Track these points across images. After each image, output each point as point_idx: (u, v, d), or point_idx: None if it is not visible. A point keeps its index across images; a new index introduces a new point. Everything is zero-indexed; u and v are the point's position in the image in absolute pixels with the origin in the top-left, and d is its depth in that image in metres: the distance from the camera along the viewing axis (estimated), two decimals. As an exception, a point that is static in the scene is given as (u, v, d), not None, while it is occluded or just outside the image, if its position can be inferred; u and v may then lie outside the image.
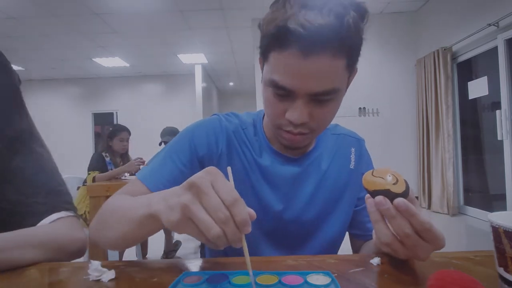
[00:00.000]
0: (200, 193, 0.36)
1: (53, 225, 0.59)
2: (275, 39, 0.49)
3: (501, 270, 0.34)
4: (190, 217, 0.36)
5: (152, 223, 0.42)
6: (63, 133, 7.92)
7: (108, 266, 0.45)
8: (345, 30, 0.46)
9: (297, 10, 0.46)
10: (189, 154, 0.62)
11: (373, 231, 0.46)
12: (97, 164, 2.48)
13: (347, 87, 0.57)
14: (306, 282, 0.38)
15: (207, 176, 0.37)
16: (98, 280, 0.41)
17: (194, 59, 6.69)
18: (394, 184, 0.41)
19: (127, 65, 6.94)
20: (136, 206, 0.46)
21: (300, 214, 0.64)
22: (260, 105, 4.66)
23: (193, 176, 0.37)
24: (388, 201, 0.40)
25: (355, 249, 0.74)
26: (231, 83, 9.28)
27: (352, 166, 0.70)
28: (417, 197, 4.43)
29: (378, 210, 0.41)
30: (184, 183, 0.38)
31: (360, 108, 4.58)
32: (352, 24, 0.47)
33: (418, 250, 0.41)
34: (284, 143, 0.59)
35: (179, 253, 2.77)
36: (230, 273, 0.41)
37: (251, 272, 0.36)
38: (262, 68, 0.59)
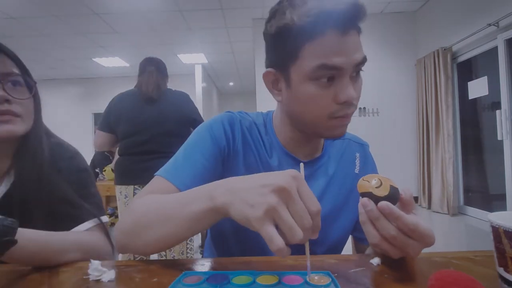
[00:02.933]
0: (288, 198, 0.37)
1: (92, 233, 0.62)
2: (313, 26, 0.52)
3: (501, 270, 0.34)
4: (276, 219, 0.36)
5: (212, 216, 0.42)
6: (63, 133, 7.77)
7: (108, 266, 0.45)
8: (363, 8, 0.53)
9: None
10: (212, 148, 0.61)
11: None
12: (105, 161, 2.48)
13: None
14: (306, 282, 0.38)
15: (293, 181, 0.38)
16: (98, 280, 0.41)
17: (194, 59, 6.69)
18: (377, 187, 0.43)
19: (127, 65, 6.93)
20: (189, 201, 0.44)
21: None
22: (260, 106, 4.65)
23: (279, 179, 0.38)
24: (371, 203, 0.43)
25: (359, 252, 0.74)
26: (231, 83, 9.28)
27: (357, 171, 0.71)
28: (417, 197, 4.43)
29: (365, 212, 0.44)
30: (270, 183, 0.38)
31: (360, 108, 4.57)
32: (363, 5, 0.53)
33: (407, 249, 0.42)
34: (336, 133, 0.59)
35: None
36: (230, 273, 0.41)
37: (309, 271, 0.39)
38: (274, 81, 0.61)
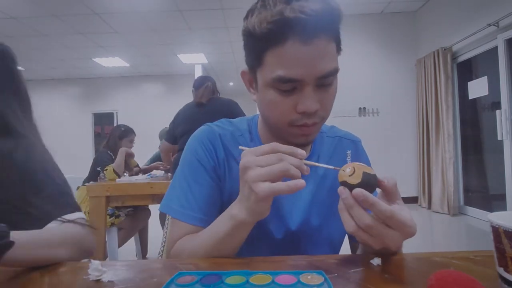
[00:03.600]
0: (247, 168, 0.45)
1: (68, 225, 0.60)
2: (273, 34, 0.49)
3: (501, 270, 0.34)
4: (250, 178, 0.44)
5: (239, 229, 0.50)
6: (63, 133, 7.92)
7: (108, 266, 0.45)
8: (336, 14, 0.50)
9: (285, 1, 0.48)
10: (205, 173, 0.62)
11: None
12: (108, 161, 2.47)
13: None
14: (299, 281, 0.38)
15: (243, 158, 0.46)
16: (98, 280, 0.41)
17: (194, 59, 6.69)
18: (350, 175, 0.44)
19: (127, 65, 6.94)
20: (218, 229, 0.52)
21: (300, 220, 0.64)
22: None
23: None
24: (347, 190, 0.43)
25: (353, 251, 0.73)
26: (231, 83, 9.28)
27: None
28: (417, 197, 4.43)
29: (341, 199, 0.44)
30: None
31: (360, 108, 4.58)
32: (339, 9, 0.51)
33: (385, 239, 0.43)
34: (298, 141, 0.58)
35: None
36: (223, 273, 0.41)
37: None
38: (250, 80, 0.62)
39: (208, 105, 2.28)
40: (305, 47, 0.49)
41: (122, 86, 8.15)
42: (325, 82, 0.53)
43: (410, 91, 4.58)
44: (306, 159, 0.67)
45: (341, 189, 0.44)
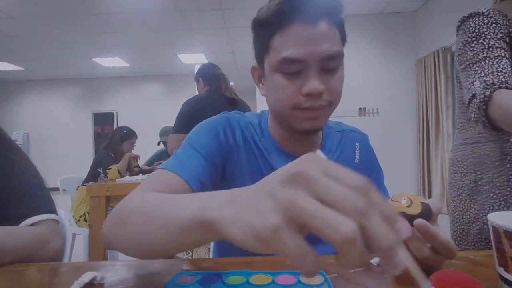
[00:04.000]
0: (312, 184, 0.22)
1: (26, 232, 0.59)
2: (280, 16, 0.52)
3: (501, 270, 0.34)
4: (299, 216, 0.22)
5: (199, 232, 0.30)
6: (63, 133, 7.92)
7: (108, 266, 0.45)
8: (338, 2, 0.54)
9: None
10: (209, 148, 0.59)
11: None
12: (109, 162, 2.47)
13: (343, 69, 0.59)
14: (299, 281, 0.38)
15: (313, 163, 0.24)
16: (98, 281, 0.41)
17: (194, 59, 6.68)
18: (408, 206, 0.42)
19: (127, 65, 6.93)
20: (178, 210, 0.33)
21: None
22: (260, 106, 4.66)
23: (290, 166, 0.24)
24: (407, 222, 0.41)
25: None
26: (231, 83, 9.27)
27: (357, 160, 0.70)
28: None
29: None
30: (280, 175, 0.24)
31: (360, 108, 4.58)
32: None
33: (434, 264, 0.41)
34: (304, 126, 0.57)
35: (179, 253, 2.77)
36: (223, 273, 0.41)
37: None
38: (259, 75, 0.62)
39: (239, 106, 2.04)
40: (309, 28, 0.51)
41: (122, 86, 8.14)
42: (329, 66, 0.54)
43: (410, 91, 4.57)
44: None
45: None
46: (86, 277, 0.41)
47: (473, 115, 0.77)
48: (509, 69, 0.75)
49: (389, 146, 4.54)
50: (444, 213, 3.91)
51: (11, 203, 0.61)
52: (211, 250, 0.79)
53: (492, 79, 0.73)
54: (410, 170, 4.51)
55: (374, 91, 4.56)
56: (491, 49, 0.78)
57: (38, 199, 0.65)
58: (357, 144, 0.71)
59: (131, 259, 0.45)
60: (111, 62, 6.68)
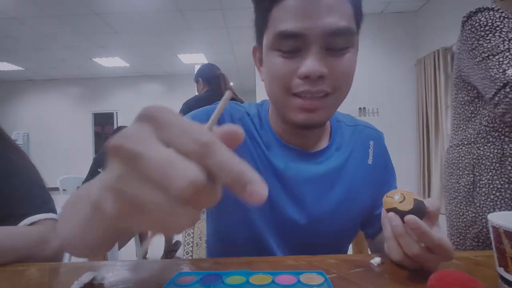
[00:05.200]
0: (157, 125, 0.21)
1: (25, 232, 0.59)
2: None
3: (501, 270, 0.34)
4: (137, 166, 0.19)
5: (99, 220, 0.26)
6: (63, 133, 7.92)
7: (108, 266, 0.45)
8: None
9: None
10: None
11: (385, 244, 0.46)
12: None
13: (356, 53, 0.50)
14: (299, 281, 0.38)
15: (155, 109, 0.22)
16: (98, 281, 0.41)
17: (194, 59, 6.69)
18: (400, 202, 0.42)
19: (127, 65, 6.93)
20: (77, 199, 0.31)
21: (314, 215, 0.58)
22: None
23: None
24: (398, 218, 0.41)
25: (371, 247, 0.67)
26: (231, 83, 9.28)
27: (370, 161, 0.62)
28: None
29: (390, 227, 0.42)
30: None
31: (360, 108, 4.58)
32: None
33: (428, 263, 0.41)
34: (298, 118, 0.49)
35: (179, 253, 2.77)
36: (223, 273, 0.41)
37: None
38: (260, 58, 0.55)
39: None
40: None
41: (122, 86, 8.14)
42: (334, 45, 0.45)
43: (410, 91, 4.57)
44: (324, 148, 0.58)
45: (392, 215, 0.41)
46: (86, 277, 0.41)
47: (502, 106, 0.73)
48: None
49: (389, 146, 4.48)
50: (443, 214, 3.90)
51: (11, 202, 0.61)
52: (205, 251, 0.76)
53: None
54: (410, 170, 4.51)
55: (374, 91, 4.56)
56: (511, 41, 0.75)
57: (38, 198, 0.65)
58: (371, 142, 0.63)
59: (131, 259, 0.45)
60: (111, 62, 6.68)
